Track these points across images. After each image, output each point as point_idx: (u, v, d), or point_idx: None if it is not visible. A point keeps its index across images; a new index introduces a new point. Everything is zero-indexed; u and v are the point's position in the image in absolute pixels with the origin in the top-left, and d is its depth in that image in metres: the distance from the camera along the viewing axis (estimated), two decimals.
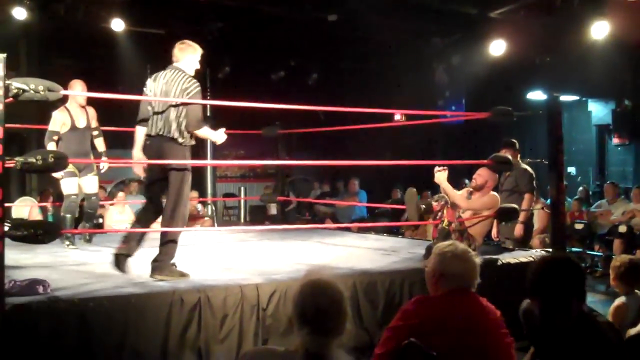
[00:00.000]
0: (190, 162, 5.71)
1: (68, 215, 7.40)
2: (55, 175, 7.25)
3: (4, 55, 4.03)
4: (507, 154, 7.26)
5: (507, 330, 3.17)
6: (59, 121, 7.38)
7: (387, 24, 11.69)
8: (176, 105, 5.31)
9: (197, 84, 5.35)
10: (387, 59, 13.61)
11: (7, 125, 4.03)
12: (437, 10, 11.34)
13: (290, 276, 5.24)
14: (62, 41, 12.16)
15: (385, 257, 6.59)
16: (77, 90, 7.36)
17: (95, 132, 7.75)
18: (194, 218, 11.23)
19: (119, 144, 14.12)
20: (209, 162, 15.17)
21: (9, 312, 3.91)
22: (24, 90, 4.16)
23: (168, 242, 5.32)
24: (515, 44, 11.66)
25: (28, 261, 5.96)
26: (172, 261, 5.31)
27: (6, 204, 4.09)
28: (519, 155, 7.73)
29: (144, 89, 5.58)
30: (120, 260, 5.26)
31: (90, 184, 7.61)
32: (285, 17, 11.65)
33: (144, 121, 5.48)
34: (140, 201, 11.53)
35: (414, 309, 3.14)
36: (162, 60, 14.08)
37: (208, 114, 14.57)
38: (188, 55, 5.51)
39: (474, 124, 11.45)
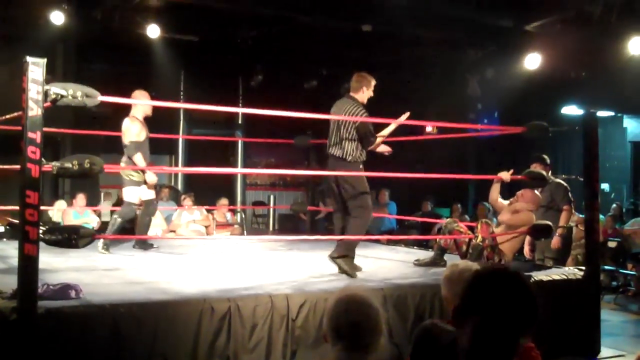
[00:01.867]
0: (222, 171, 5.85)
1: (119, 220, 7.44)
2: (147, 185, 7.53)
3: (44, 60, 4.06)
4: (536, 169, 7.16)
5: (533, 345, 3.11)
6: (137, 131, 7.49)
7: (421, 35, 11.65)
8: (345, 129, 6.04)
9: (364, 109, 6.05)
10: (420, 70, 13.56)
11: (44, 129, 4.06)
12: (472, 22, 11.26)
13: (320, 287, 5.23)
14: (98, 46, 12.28)
15: (415, 270, 6.54)
16: (144, 100, 7.49)
17: None
18: (223, 226, 11.27)
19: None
20: (239, 170, 15.24)
21: (41, 317, 3.93)
22: (62, 96, 4.18)
23: (352, 242, 6.06)
24: (550, 58, 11.54)
25: (61, 265, 6.01)
26: (353, 257, 6.08)
27: (41, 208, 4.11)
28: (549, 171, 7.61)
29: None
30: (349, 273, 5.90)
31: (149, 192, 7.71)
32: (319, 27, 11.66)
33: None
34: (171, 207, 11.64)
35: None
36: (196, 67, 14.26)
37: (240, 121, 14.72)
38: (363, 87, 6.20)
39: (508, 138, 11.35)
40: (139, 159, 7.36)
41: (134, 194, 7.54)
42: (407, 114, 6.30)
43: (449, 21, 11.12)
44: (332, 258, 5.97)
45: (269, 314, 4.71)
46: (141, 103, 7.39)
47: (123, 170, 7.50)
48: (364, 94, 6.21)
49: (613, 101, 12.84)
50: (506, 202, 7.02)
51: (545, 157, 7.68)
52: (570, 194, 7.49)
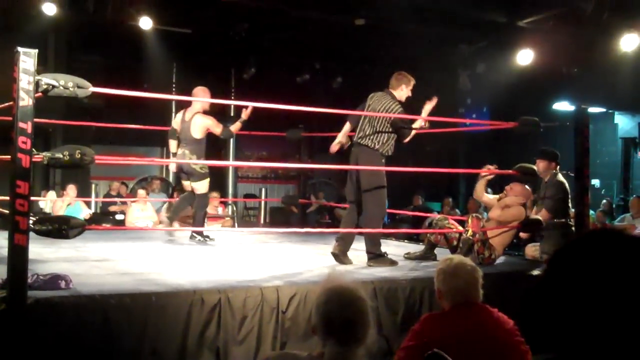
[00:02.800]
0: (213, 163, 5.82)
1: (203, 212, 7.96)
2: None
3: (36, 51, 4.05)
4: (541, 163, 7.13)
5: (522, 339, 3.14)
6: (214, 123, 7.83)
7: (414, 29, 11.65)
8: (380, 122, 6.25)
9: (400, 106, 6.28)
10: (412, 64, 13.54)
11: (35, 120, 4.05)
12: (465, 17, 11.28)
13: (310, 280, 5.24)
14: (90, 38, 12.25)
15: (406, 263, 6.56)
16: (204, 96, 7.76)
17: None
18: (214, 218, 11.27)
19: (143, 142, 14.25)
20: (231, 162, 15.24)
21: (31, 306, 3.93)
22: (53, 86, 4.17)
23: (374, 236, 6.28)
24: (542, 54, 11.57)
25: (51, 255, 6.01)
26: (383, 251, 6.30)
27: (31, 198, 4.11)
28: (557, 167, 7.40)
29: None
30: (340, 258, 6.18)
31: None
32: (312, 20, 11.65)
33: (352, 124, 6.51)
34: (162, 199, 11.64)
35: (423, 329, 3.16)
36: (188, 59, 14.22)
37: (232, 114, 14.69)
38: (402, 85, 6.44)
39: (499, 134, 11.39)
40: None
41: (205, 186, 7.88)
42: (435, 99, 6.55)
43: (442, 16, 11.14)
44: (370, 265, 6.16)
45: (259, 305, 4.71)
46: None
47: (194, 164, 7.72)
48: (403, 92, 6.41)
49: (604, 97, 12.88)
50: (492, 197, 7.02)
51: (555, 152, 7.34)
52: (559, 198, 7.17)
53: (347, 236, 6.30)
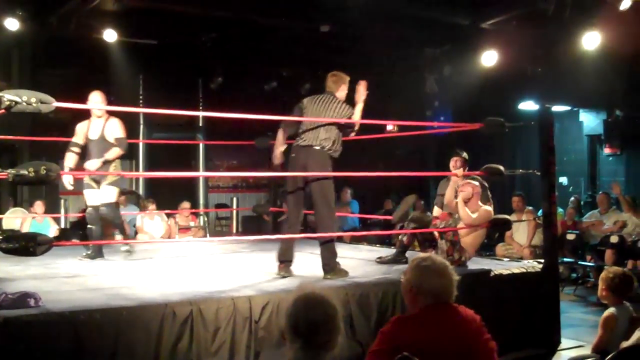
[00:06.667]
0: (183, 174, 5.80)
1: (91, 227, 7.51)
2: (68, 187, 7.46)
3: None
4: (457, 163, 7.32)
5: (489, 335, 3.15)
6: (78, 133, 7.57)
7: (379, 34, 11.71)
8: (330, 125, 6.07)
9: (349, 106, 6.16)
10: (379, 69, 13.63)
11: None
12: (428, 21, 11.36)
13: (283, 288, 5.24)
14: (54, 52, 12.11)
15: (377, 268, 6.59)
16: (93, 101, 7.38)
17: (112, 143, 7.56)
18: (185, 229, 11.22)
19: None
20: (201, 173, 15.18)
21: (0, 326, 3.88)
22: (16, 102, 4.15)
23: (329, 244, 6.02)
24: (506, 55, 11.69)
25: (19, 273, 5.94)
26: (336, 260, 6.00)
27: None
28: (467, 168, 7.57)
29: (300, 104, 6.27)
30: (286, 272, 6.01)
31: (103, 194, 7.45)
32: (278, 28, 11.66)
33: (289, 130, 6.29)
34: (133, 213, 11.55)
35: (393, 331, 3.07)
36: (155, 70, 14.11)
37: (201, 124, 14.65)
38: (342, 85, 6.28)
39: (466, 135, 11.48)
40: (67, 159, 7.52)
41: (87, 197, 7.59)
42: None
43: (406, 20, 11.20)
44: (327, 278, 5.83)
45: (231, 316, 4.71)
46: (100, 108, 7.31)
47: None
48: (344, 92, 6.29)
49: (569, 96, 13.01)
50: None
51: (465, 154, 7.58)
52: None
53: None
